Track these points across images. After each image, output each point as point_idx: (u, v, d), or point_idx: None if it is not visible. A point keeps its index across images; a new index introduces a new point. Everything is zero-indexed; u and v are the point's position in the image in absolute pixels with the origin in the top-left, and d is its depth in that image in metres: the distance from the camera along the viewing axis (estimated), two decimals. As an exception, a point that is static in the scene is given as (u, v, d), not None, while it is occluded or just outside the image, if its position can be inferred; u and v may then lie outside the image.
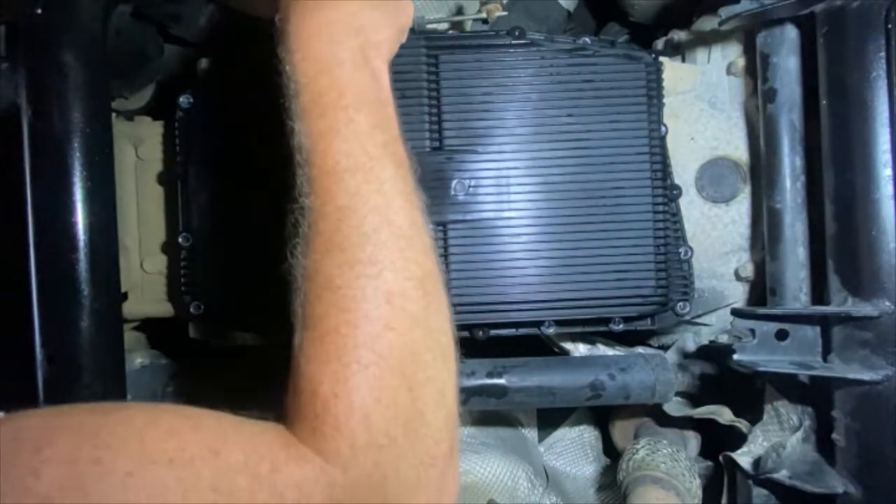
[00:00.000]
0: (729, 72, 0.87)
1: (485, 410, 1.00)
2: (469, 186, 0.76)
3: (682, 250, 0.80)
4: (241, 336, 0.85)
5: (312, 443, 0.43)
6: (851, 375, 0.68)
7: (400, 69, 0.76)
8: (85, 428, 0.40)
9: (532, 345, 0.88)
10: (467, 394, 0.80)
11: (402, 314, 0.46)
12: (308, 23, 0.51)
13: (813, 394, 0.78)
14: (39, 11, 0.69)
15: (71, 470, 0.37)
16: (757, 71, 0.81)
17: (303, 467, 0.42)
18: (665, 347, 0.95)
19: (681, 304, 0.80)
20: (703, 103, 0.87)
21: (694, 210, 0.86)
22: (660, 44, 0.94)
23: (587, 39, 0.79)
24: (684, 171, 0.86)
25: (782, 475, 0.72)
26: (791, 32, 0.78)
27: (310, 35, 0.51)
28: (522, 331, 0.81)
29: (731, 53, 0.87)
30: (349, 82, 0.50)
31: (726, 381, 0.88)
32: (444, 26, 0.89)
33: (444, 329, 0.49)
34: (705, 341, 0.91)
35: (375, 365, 0.44)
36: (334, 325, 0.45)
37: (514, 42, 0.78)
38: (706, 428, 0.92)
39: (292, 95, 0.50)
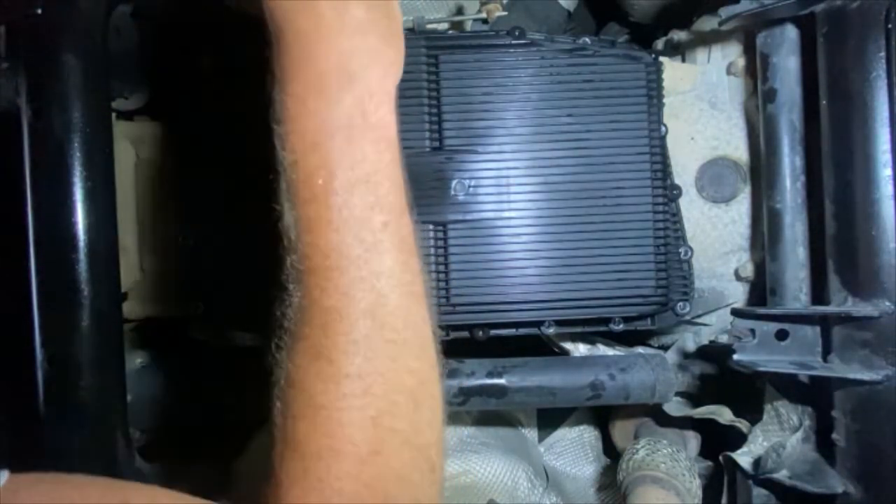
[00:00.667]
0: (729, 72, 0.87)
1: (485, 410, 1.00)
2: (469, 186, 0.76)
3: (682, 250, 0.80)
4: (241, 336, 0.85)
5: None
6: (851, 375, 0.68)
7: (400, 69, 0.77)
8: None
9: (532, 345, 0.88)
10: (467, 394, 0.80)
11: (389, 436, 0.43)
12: (297, 78, 0.44)
13: (813, 394, 0.78)
14: (39, 11, 0.69)
15: None
16: (757, 71, 0.81)
17: None
18: (665, 347, 0.95)
19: (681, 304, 0.80)
20: (703, 103, 0.87)
21: (694, 210, 0.86)
22: (660, 44, 0.94)
23: (587, 39, 0.79)
24: (684, 171, 0.86)
25: (782, 475, 0.72)
26: (791, 32, 0.78)
27: (298, 98, 0.44)
28: (522, 331, 0.81)
29: (731, 53, 0.87)
30: (342, 159, 0.43)
31: (726, 381, 0.88)
32: (444, 26, 0.89)
33: (434, 442, 0.46)
34: (705, 341, 0.91)
35: (358, 494, 0.42)
36: (316, 450, 0.42)
37: (514, 42, 0.78)
38: (706, 428, 0.92)
39: (280, 171, 0.44)
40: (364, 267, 0.43)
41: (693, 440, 0.94)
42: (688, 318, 0.83)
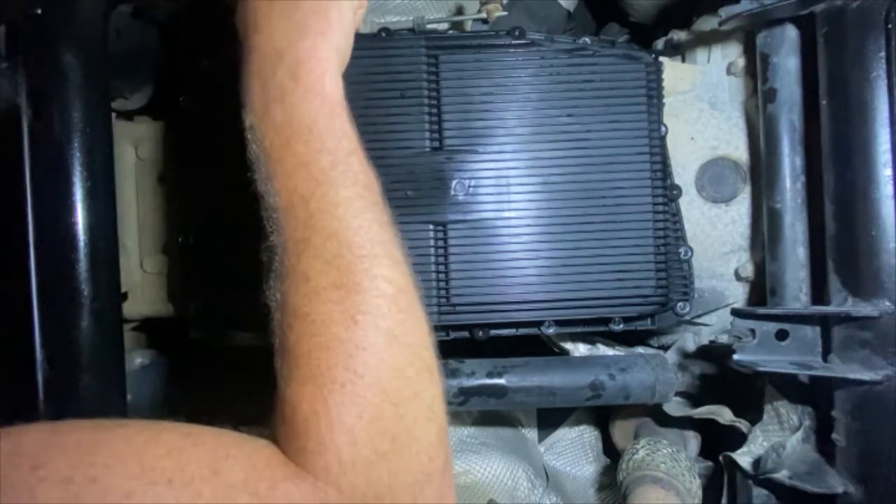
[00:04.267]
0: (729, 72, 0.87)
1: (485, 410, 1.00)
2: (469, 186, 0.76)
3: (682, 250, 0.80)
4: (241, 336, 0.85)
5: (302, 462, 0.43)
6: (851, 375, 0.68)
7: (400, 69, 0.77)
8: (83, 445, 0.39)
9: (532, 345, 0.88)
10: (467, 394, 0.80)
11: (374, 333, 0.45)
12: (245, 69, 0.53)
13: (813, 394, 0.78)
14: (39, 11, 0.69)
15: (67, 489, 0.36)
16: (757, 71, 0.81)
17: (300, 486, 0.42)
18: (665, 347, 0.95)
19: (681, 304, 0.80)
20: (703, 103, 0.87)
21: (694, 210, 0.86)
22: (660, 44, 0.94)
23: (587, 39, 0.79)
24: (684, 171, 0.87)
25: (782, 475, 0.72)
26: (791, 32, 0.78)
27: (247, 86, 0.53)
28: (522, 331, 0.81)
29: (731, 53, 0.87)
30: (283, 119, 0.50)
31: (726, 381, 0.88)
32: (444, 26, 0.89)
33: (424, 344, 0.48)
34: (705, 341, 0.91)
35: (352, 383, 0.44)
36: (306, 350, 0.45)
37: (514, 42, 0.78)
38: (706, 428, 0.92)
39: (248, 146, 0.52)
40: (321, 200, 0.48)
41: (693, 440, 0.94)
42: (688, 318, 0.83)
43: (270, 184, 0.50)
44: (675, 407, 0.88)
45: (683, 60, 0.90)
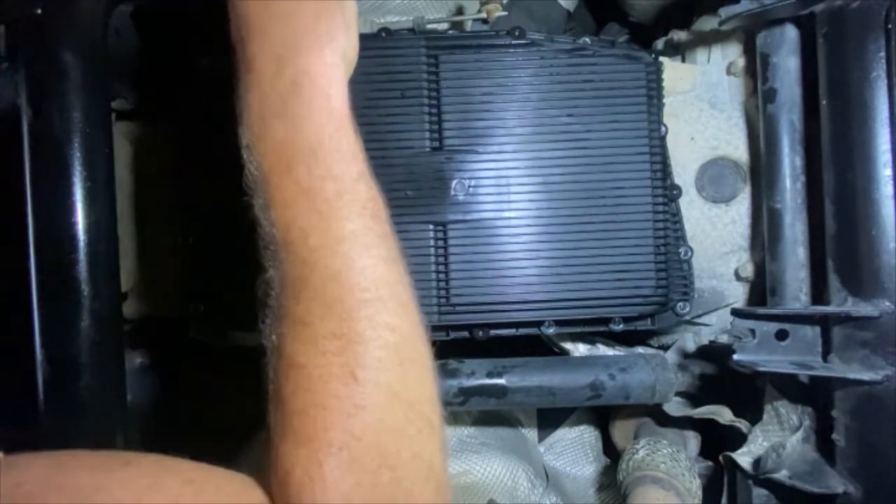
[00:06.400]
0: (729, 72, 0.87)
1: (485, 410, 1.00)
2: (469, 186, 0.76)
3: (682, 250, 0.80)
4: (241, 336, 0.85)
5: None
6: (851, 375, 0.68)
7: (400, 69, 0.77)
8: (82, 490, 0.38)
9: (532, 345, 0.88)
10: (467, 394, 0.80)
11: (374, 390, 0.43)
12: (242, 80, 0.48)
13: (813, 394, 0.78)
14: (39, 11, 0.69)
15: None
16: (757, 71, 0.81)
17: None
18: (665, 347, 0.95)
19: (681, 304, 0.80)
20: (703, 103, 0.87)
21: (694, 210, 0.86)
22: (660, 44, 0.94)
23: (587, 39, 0.79)
24: (684, 171, 0.87)
25: (782, 475, 0.72)
26: (791, 32, 0.78)
27: (244, 98, 0.47)
28: (522, 331, 0.81)
29: (731, 53, 0.87)
30: (283, 138, 0.45)
31: (726, 381, 0.88)
32: (444, 26, 0.89)
33: (426, 398, 0.45)
34: (705, 341, 0.91)
35: (349, 447, 0.41)
36: (301, 407, 0.43)
37: (514, 42, 0.78)
38: (706, 428, 0.92)
39: (245, 165, 0.47)
40: (324, 234, 0.44)
41: (693, 440, 0.94)
42: (688, 318, 0.83)
43: (268, 213, 0.46)
44: (675, 407, 0.88)
45: (683, 60, 0.90)
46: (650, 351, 0.92)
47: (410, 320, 0.46)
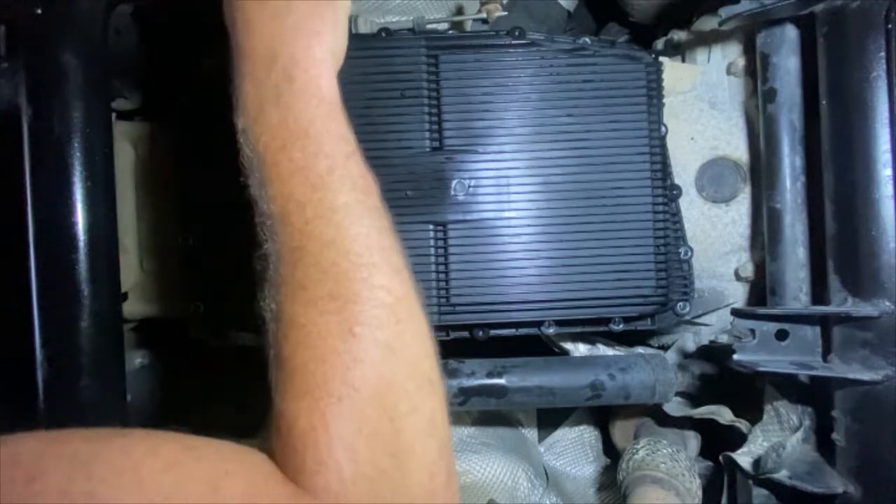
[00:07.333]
0: (729, 72, 0.87)
1: (485, 410, 1.00)
2: (469, 186, 0.76)
3: (682, 250, 0.80)
4: (241, 336, 0.85)
5: (301, 481, 0.42)
6: (851, 375, 0.68)
7: (400, 69, 0.77)
8: (79, 457, 0.38)
9: (532, 345, 0.88)
10: (467, 394, 0.80)
11: (372, 345, 0.44)
12: (239, 73, 0.52)
13: (813, 394, 0.78)
14: (39, 11, 0.69)
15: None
16: (757, 71, 0.81)
17: None
18: (665, 347, 0.95)
19: (681, 304, 0.80)
20: (703, 103, 0.87)
21: (694, 210, 0.86)
22: (660, 44, 0.94)
23: (587, 39, 0.79)
24: (684, 171, 0.87)
25: (782, 475, 0.72)
26: (791, 32, 0.78)
27: (241, 88, 0.51)
28: (522, 331, 0.81)
29: (731, 53, 0.87)
30: (278, 121, 0.48)
31: (726, 381, 0.88)
32: (444, 26, 0.89)
33: (424, 355, 0.47)
34: (705, 341, 0.91)
35: (349, 397, 0.43)
36: (302, 362, 0.44)
37: (514, 42, 0.78)
38: (706, 428, 0.92)
39: (242, 150, 0.50)
40: (318, 206, 0.47)
41: (693, 440, 0.94)
42: (688, 318, 0.83)
43: (265, 190, 0.48)
44: (675, 407, 0.88)
45: (683, 60, 0.90)
46: (650, 351, 0.92)
47: (405, 284, 0.47)
